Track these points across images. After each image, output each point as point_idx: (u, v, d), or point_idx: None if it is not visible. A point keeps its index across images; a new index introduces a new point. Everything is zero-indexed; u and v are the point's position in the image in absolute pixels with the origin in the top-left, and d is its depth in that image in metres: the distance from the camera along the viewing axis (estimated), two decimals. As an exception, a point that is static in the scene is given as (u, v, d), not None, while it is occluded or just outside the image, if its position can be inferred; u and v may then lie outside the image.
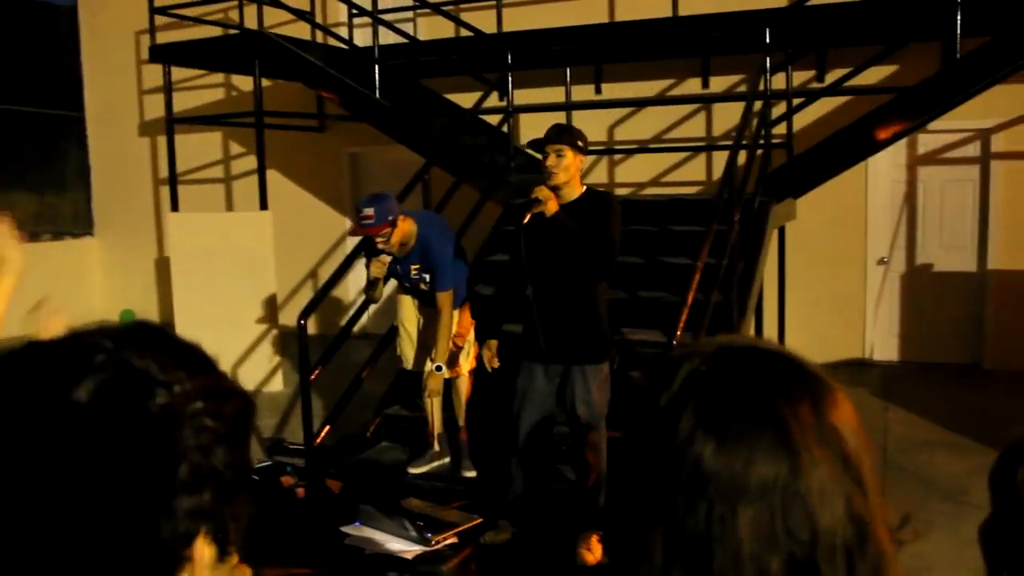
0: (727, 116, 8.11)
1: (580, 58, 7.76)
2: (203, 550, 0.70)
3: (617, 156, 8.62)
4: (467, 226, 6.47)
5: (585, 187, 4.26)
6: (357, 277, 8.21)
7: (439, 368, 4.76)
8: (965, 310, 7.82)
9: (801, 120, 7.41)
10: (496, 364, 4.44)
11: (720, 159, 8.20)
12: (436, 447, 5.17)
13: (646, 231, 6.10)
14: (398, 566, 3.13)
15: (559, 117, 7.28)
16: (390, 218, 4.57)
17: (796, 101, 7.16)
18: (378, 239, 4.61)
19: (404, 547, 3.25)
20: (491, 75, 7.80)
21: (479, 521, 3.76)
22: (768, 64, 6.16)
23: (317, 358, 5.49)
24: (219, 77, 10.43)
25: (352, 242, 9.70)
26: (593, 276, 4.09)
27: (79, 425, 0.65)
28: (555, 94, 7.93)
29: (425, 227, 4.78)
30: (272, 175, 8.51)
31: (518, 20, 8.40)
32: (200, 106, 10.17)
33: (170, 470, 0.67)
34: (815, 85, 7.87)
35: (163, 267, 10.69)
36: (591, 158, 7.75)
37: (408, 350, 5.18)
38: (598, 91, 8.69)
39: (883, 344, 8.07)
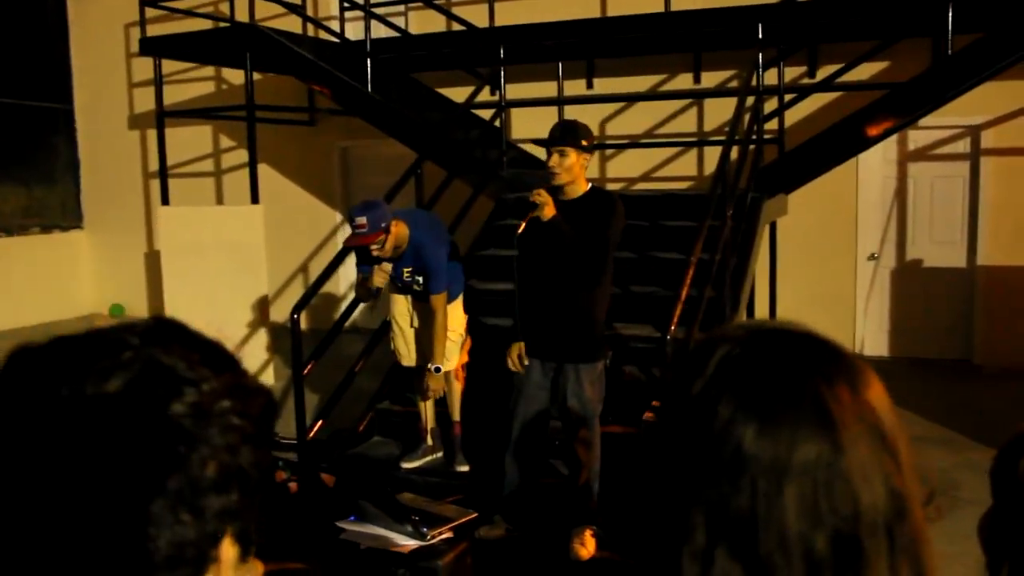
0: (718, 111, 8.12)
1: (572, 53, 7.76)
2: (228, 550, 0.69)
3: (609, 151, 8.63)
4: (459, 221, 6.46)
5: (590, 185, 4.26)
6: (348, 272, 8.20)
7: (438, 370, 4.79)
8: (955, 306, 7.86)
9: (792, 116, 7.42)
10: (520, 367, 4.35)
11: (711, 154, 8.21)
12: (429, 442, 5.17)
13: (638, 226, 6.10)
14: (394, 561, 3.14)
15: (551, 112, 7.30)
16: (383, 225, 4.58)
17: (788, 97, 7.18)
18: (373, 247, 4.62)
19: (400, 542, 3.26)
20: (483, 69, 7.79)
21: (474, 516, 3.77)
22: (760, 60, 6.17)
23: (308, 353, 5.48)
24: (209, 70, 10.37)
25: (343, 237, 9.69)
26: (587, 278, 4.11)
27: (107, 423, 0.65)
28: (547, 88, 7.93)
29: (417, 230, 4.78)
30: (263, 169, 8.48)
31: (510, 14, 8.38)
32: (190, 99, 10.12)
33: (199, 470, 0.67)
34: (807, 81, 7.88)
35: (153, 261, 10.65)
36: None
37: (402, 346, 5.18)
38: (590, 86, 8.69)
39: (873, 339, 8.10)
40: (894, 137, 7.42)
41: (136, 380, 0.67)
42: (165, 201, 8.49)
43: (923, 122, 6.87)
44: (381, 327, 5.77)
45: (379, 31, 7.99)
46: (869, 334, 8.11)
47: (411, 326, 5.13)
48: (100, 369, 0.67)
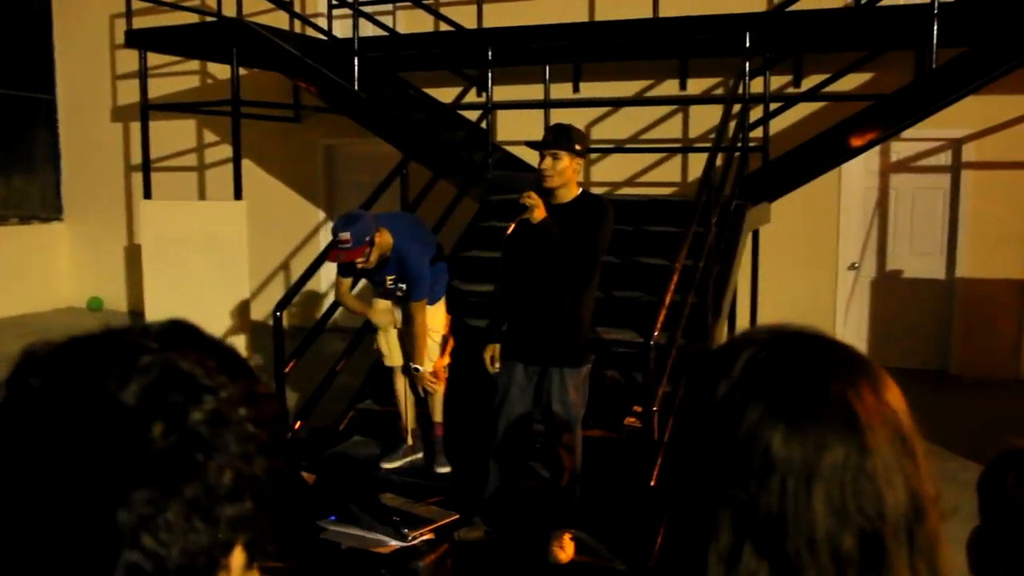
0: (703, 118, 8.16)
1: (560, 56, 7.77)
2: (239, 558, 0.69)
3: (594, 155, 8.64)
4: (443, 222, 6.46)
5: (581, 189, 4.27)
6: (330, 271, 8.17)
7: (416, 369, 4.82)
8: (933, 316, 7.93)
9: (777, 125, 7.47)
10: (496, 368, 4.37)
11: (695, 161, 8.25)
12: (410, 442, 5.16)
13: (622, 231, 6.09)
14: (375, 561, 3.13)
15: (537, 114, 7.31)
16: (367, 239, 4.57)
17: (773, 106, 7.22)
18: (358, 261, 4.62)
19: (381, 542, 3.25)
20: (471, 70, 7.79)
21: (456, 517, 3.77)
22: (748, 68, 6.21)
23: (290, 351, 5.46)
24: (194, 64, 10.32)
25: (325, 235, 9.66)
26: (575, 282, 4.11)
27: (124, 428, 0.64)
28: (534, 91, 7.94)
29: (401, 238, 4.77)
30: (246, 165, 8.44)
31: (498, 16, 8.39)
32: (174, 93, 10.06)
33: (216, 478, 0.66)
34: (792, 90, 7.93)
35: (133, 254, 10.58)
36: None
37: (384, 346, 5.17)
38: (576, 89, 8.71)
39: (852, 348, 8.14)
40: (877, 148, 7.48)
41: (154, 385, 0.66)
42: (147, 195, 8.43)
43: (905, 134, 6.93)
44: (363, 326, 5.75)
45: (366, 29, 7.97)
46: (848, 343, 8.14)
47: (393, 328, 5.13)
48: (118, 373, 0.66)
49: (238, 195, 7.87)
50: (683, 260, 4.79)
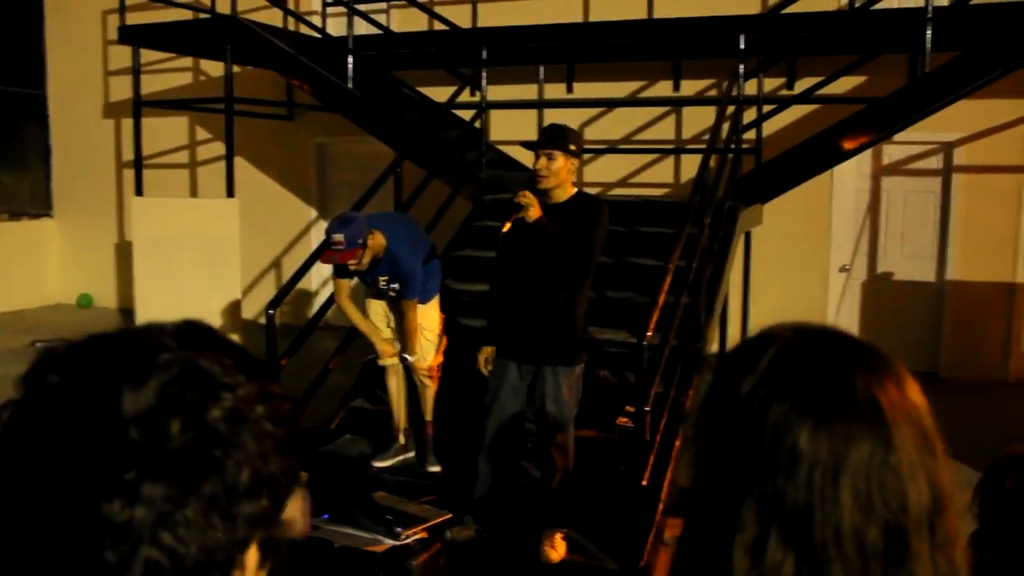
0: (696, 120, 8.18)
1: (554, 56, 7.77)
2: (253, 557, 0.69)
3: (587, 155, 8.65)
4: (437, 221, 6.46)
5: (576, 190, 4.27)
6: (322, 269, 8.16)
7: (404, 359, 4.88)
8: (923, 319, 7.96)
9: (770, 127, 7.49)
10: (486, 371, 4.38)
11: (688, 162, 8.27)
12: (401, 441, 5.16)
13: (614, 231, 6.09)
14: (367, 560, 3.13)
15: (531, 114, 7.32)
16: (360, 241, 4.59)
17: (767, 108, 7.23)
18: (351, 263, 4.63)
19: (373, 541, 3.25)
20: (465, 70, 7.79)
21: (448, 516, 3.77)
22: (742, 70, 6.22)
23: (282, 349, 5.45)
24: (187, 61, 10.29)
25: (317, 234, 9.65)
26: (570, 282, 4.11)
27: (143, 426, 0.64)
28: (528, 91, 7.94)
29: (394, 240, 4.79)
30: (238, 163, 8.42)
31: (492, 16, 8.39)
32: (166, 90, 10.02)
33: (234, 475, 0.66)
34: (785, 92, 7.96)
35: (123, 252, 10.55)
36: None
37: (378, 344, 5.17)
38: (570, 90, 8.71)
39: (842, 350, 8.17)
40: (869, 151, 7.50)
41: (173, 382, 0.66)
42: (139, 192, 8.41)
43: (897, 137, 6.96)
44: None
45: (361, 28, 7.97)
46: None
47: (388, 327, 5.13)
48: (137, 370, 0.66)
49: (230, 193, 7.85)
50: (676, 261, 4.80)
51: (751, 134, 7.07)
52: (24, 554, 0.64)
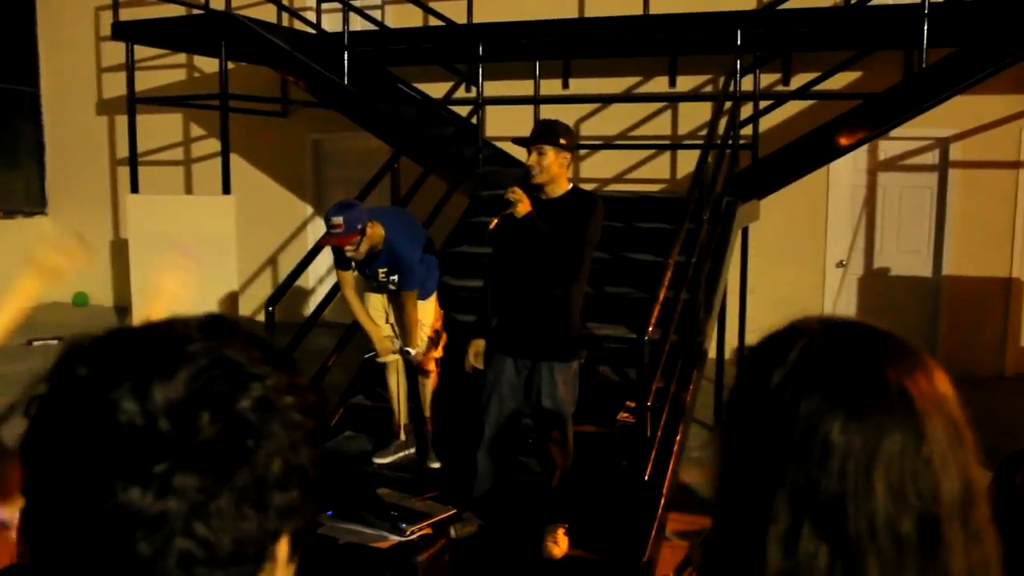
0: (692, 115, 8.19)
1: (550, 52, 7.76)
2: (284, 548, 0.69)
3: (583, 151, 8.65)
4: (434, 217, 6.45)
5: (571, 185, 4.27)
6: (318, 266, 8.15)
7: (407, 352, 4.88)
8: (919, 314, 7.99)
9: (766, 123, 7.49)
10: (479, 365, 4.39)
11: (684, 158, 8.27)
12: (402, 437, 5.16)
13: (612, 227, 6.11)
14: (373, 557, 3.12)
15: (527, 110, 7.30)
16: (359, 226, 4.59)
17: (763, 104, 7.24)
18: (348, 248, 4.62)
19: (378, 538, 3.25)
20: (461, 66, 7.78)
21: (452, 512, 3.77)
22: (739, 65, 6.22)
23: (280, 346, 5.44)
24: (180, 57, 10.25)
25: (313, 231, 9.63)
26: (561, 277, 4.10)
27: (174, 417, 0.63)
28: (523, 87, 7.93)
29: (392, 231, 4.80)
30: (233, 159, 8.39)
31: (488, 11, 8.38)
32: (159, 87, 10.00)
33: (265, 466, 0.66)
34: (782, 88, 7.96)
35: (118, 249, 10.51)
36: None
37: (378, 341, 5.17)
38: (566, 86, 8.71)
39: (839, 345, 8.19)
40: (865, 147, 7.52)
41: (203, 373, 0.65)
42: (135, 189, 8.38)
43: (893, 133, 6.97)
44: (354, 322, 5.73)
45: (356, 24, 7.95)
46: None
47: (387, 322, 5.13)
48: (166, 362, 0.65)
49: (226, 189, 7.83)
50: (676, 256, 4.81)
51: (748, 130, 7.07)
52: (60, 549, 0.64)
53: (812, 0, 7.17)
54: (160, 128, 10.29)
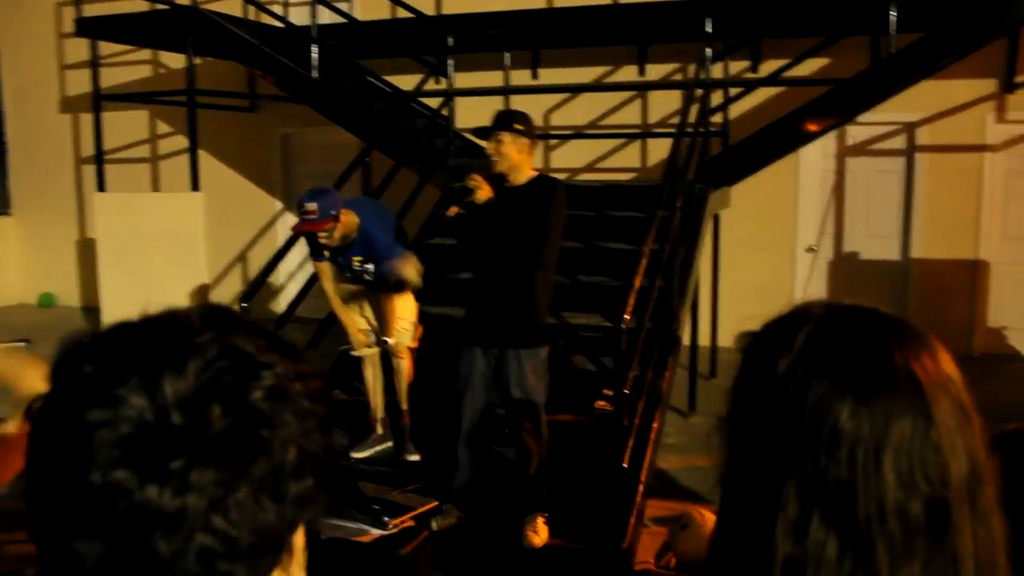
0: (662, 104, 8.21)
1: (519, 43, 7.75)
2: (300, 539, 0.68)
3: (553, 141, 8.66)
4: (406, 210, 6.42)
5: (536, 172, 4.27)
6: (289, 262, 8.10)
7: (384, 343, 4.87)
8: (888, 297, 8.06)
9: (736, 109, 7.54)
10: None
11: (655, 146, 8.30)
12: (379, 431, 5.14)
13: (584, 216, 6.13)
14: (355, 550, 3.11)
15: (497, 101, 7.28)
16: (332, 212, 4.56)
17: (733, 91, 7.28)
18: (321, 234, 4.59)
19: (361, 531, 3.24)
20: (430, 58, 7.75)
21: (434, 504, 3.76)
22: (709, 53, 6.25)
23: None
24: (145, 53, 10.13)
25: (283, 226, 9.57)
26: (525, 263, 4.10)
27: (186, 410, 0.62)
28: (493, 78, 7.91)
29: (366, 218, 4.77)
30: (201, 156, 8.31)
31: (456, 3, 8.35)
32: (124, 83, 9.87)
33: (281, 455, 0.64)
34: (751, 75, 8.00)
35: (85, 249, 10.39)
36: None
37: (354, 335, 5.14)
38: (535, 76, 8.70)
39: (810, 330, 8.26)
40: (833, 132, 7.58)
41: (212, 364, 0.64)
42: (101, 187, 8.28)
43: (861, 118, 7.03)
44: (328, 317, 5.70)
45: (324, 16, 7.89)
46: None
47: (362, 315, 5.10)
48: (175, 354, 0.64)
49: (195, 186, 7.76)
50: (651, 244, 4.82)
51: (718, 117, 7.10)
52: (71, 555, 0.62)
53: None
54: (126, 125, 10.16)
